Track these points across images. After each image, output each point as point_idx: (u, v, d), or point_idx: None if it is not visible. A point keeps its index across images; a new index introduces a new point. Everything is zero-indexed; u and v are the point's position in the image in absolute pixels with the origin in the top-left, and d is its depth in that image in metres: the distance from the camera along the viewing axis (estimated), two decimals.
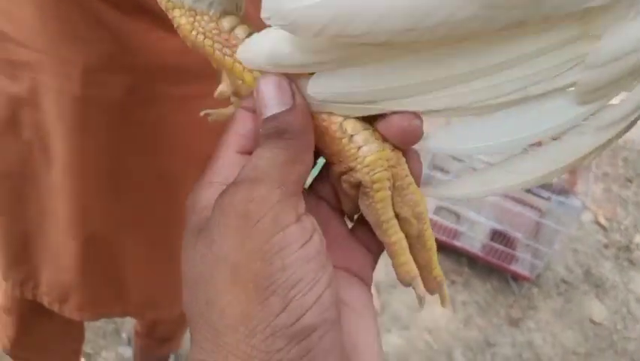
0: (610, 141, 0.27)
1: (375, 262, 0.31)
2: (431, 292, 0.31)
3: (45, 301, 0.81)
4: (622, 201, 2.43)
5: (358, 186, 0.27)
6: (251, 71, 0.27)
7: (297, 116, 0.25)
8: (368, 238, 0.30)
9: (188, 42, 0.29)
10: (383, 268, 1.82)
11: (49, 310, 0.84)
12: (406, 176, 0.28)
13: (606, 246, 2.16)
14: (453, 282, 1.84)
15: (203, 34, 0.28)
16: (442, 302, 0.32)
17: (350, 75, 0.25)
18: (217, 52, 0.28)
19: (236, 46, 0.27)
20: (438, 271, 0.30)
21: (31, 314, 0.90)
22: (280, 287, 0.22)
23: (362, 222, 0.30)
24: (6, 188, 0.74)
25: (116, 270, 0.79)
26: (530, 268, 1.82)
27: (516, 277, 1.85)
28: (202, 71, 0.51)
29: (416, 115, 0.26)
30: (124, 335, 1.48)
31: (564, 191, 1.70)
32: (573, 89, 0.25)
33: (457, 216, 1.92)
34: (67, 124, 0.65)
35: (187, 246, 0.25)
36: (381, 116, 0.26)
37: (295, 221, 0.24)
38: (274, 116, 0.25)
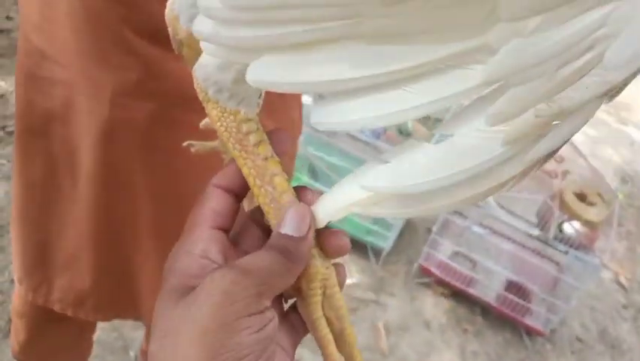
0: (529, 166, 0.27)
1: (299, 341, 0.36)
2: None
3: (57, 307, 0.84)
4: None
5: (299, 288, 0.33)
6: (252, 176, 0.33)
7: (305, 247, 0.31)
8: (297, 322, 0.36)
9: (213, 126, 0.34)
10: (395, 311, 1.81)
11: (60, 319, 0.87)
12: (334, 286, 0.34)
13: (625, 306, 2.10)
14: (465, 330, 1.81)
15: (226, 128, 0.33)
16: None
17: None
18: (230, 144, 0.33)
19: (246, 147, 0.33)
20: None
21: (42, 320, 0.93)
22: (232, 357, 0.28)
23: (295, 309, 0.36)
24: (30, 197, 0.77)
25: (131, 277, 0.82)
26: (545, 322, 1.79)
27: (529, 331, 1.82)
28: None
29: (346, 234, 0.33)
30: (132, 353, 1.50)
31: (583, 246, 1.67)
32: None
33: (473, 264, 1.91)
34: (94, 141, 0.69)
35: (165, 303, 0.30)
36: (321, 236, 0.33)
37: (260, 312, 0.29)
38: (290, 237, 0.31)
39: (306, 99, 1.84)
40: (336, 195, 0.31)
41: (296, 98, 0.83)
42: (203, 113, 0.43)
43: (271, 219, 0.33)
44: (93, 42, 0.63)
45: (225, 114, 0.33)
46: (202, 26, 0.28)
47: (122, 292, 0.84)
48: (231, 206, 0.34)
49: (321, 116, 0.28)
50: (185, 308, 0.29)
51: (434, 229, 1.84)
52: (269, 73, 0.27)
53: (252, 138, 0.33)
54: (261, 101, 0.35)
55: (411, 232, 2.15)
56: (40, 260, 0.83)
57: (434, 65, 0.24)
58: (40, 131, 0.72)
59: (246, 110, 0.33)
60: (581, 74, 0.22)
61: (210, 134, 0.43)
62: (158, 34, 0.61)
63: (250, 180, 0.33)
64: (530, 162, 0.25)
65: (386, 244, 1.89)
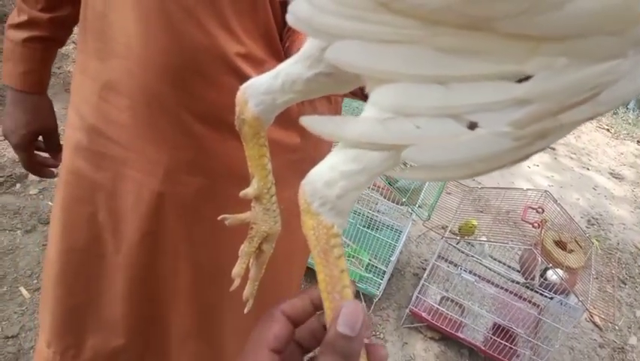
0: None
1: None
2: None
3: None
4: (616, 303, 2.51)
5: None
6: (325, 283, 0.37)
7: (359, 345, 0.34)
8: None
9: (304, 231, 0.38)
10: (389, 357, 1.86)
11: None
12: None
13: (601, 346, 2.22)
14: None
15: (317, 238, 0.37)
16: None
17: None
18: (316, 252, 0.38)
19: (329, 258, 0.37)
20: None
21: None
22: None
23: None
24: (69, 262, 0.80)
25: (164, 336, 0.85)
26: None
27: None
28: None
29: (385, 347, 0.39)
30: None
31: (565, 291, 1.78)
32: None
33: (462, 308, 1.99)
34: (141, 214, 0.73)
35: None
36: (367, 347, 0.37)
37: None
38: (348, 337, 0.34)
39: None
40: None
41: None
42: (245, 187, 0.50)
43: (328, 322, 0.38)
44: (152, 124, 0.68)
45: (320, 226, 0.37)
46: (299, 8, 0.34)
47: (152, 350, 0.87)
48: (290, 333, 0.38)
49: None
50: None
51: (424, 275, 1.92)
52: (348, 55, 0.33)
53: (336, 252, 0.37)
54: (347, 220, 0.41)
55: (398, 278, 2.23)
56: (72, 324, 0.85)
57: (481, 77, 0.32)
58: (86, 200, 0.75)
59: (338, 226, 0.38)
60: (582, 103, 0.31)
61: (247, 205, 0.50)
62: (213, 118, 0.67)
63: (321, 286, 0.38)
64: (528, 154, 0.33)
65: (378, 290, 1.96)
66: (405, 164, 0.39)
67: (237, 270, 0.48)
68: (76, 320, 0.85)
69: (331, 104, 0.78)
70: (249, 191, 0.49)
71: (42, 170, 0.97)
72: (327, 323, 0.36)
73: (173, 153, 0.70)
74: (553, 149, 4.11)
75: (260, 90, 0.43)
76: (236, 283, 0.48)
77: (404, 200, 1.76)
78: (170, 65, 0.63)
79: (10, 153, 2.19)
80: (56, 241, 0.81)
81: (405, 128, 0.33)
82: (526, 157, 0.33)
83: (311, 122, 0.35)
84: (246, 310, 0.49)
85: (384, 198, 1.90)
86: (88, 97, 0.71)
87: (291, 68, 0.41)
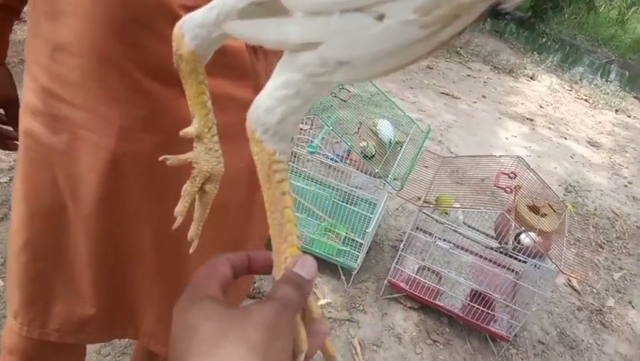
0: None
1: None
2: None
3: (54, 336, 0.85)
4: (594, 266, 2.55)
5: None
6: (269, 203, 0.40)
7: (309, 288, 0.39)
8: None
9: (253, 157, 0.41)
10: (368, 327, 1.87)
11: (55, 350, 0.88)
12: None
13: (579, 308, 2.25)
14: (434, 341, 1.90)
15: (261, 162, 0.40)
16: None
17: None
18: (260, 175, 0.40)
19: (271, 181, 0.40)
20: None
21: (36, 355, 0.93)
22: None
23: None
24: (33, 227, 0.79)
25: (132, 298, 0.85)
26: (508, 328, 1.90)
27: (494, 337, 1.92)
28: (226, 134, 0.59)
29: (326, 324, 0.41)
30: None
31: (539, 255, 1.80)
32: None
33: (439, 277, 2.00)
34: (100, 174, 0.72)
35: (197, 303, 0.37)
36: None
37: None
38: (302, 277, 0.38)
39: None
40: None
41: None
42: None
43: (275, 242, 0.41)
44: (103, 82, 0.67)
45: (263, 153, 0.40)
46: None
47: (122, 314, 0.86)
48: (230, 279, 0.41)
49: None
50: (233, 323, 0.35)
51: (400, 246, 1.93)
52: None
53: (278, 176, 0.40)
54: (292, 145, 0.42)
55: (377, 251, 2.24)
56: (39, 292, 0.84)
57: None
58: (45, 165, 0.74)
59: (279, 154, 0.40)
60: None
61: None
62: (164, 73, 0.66)
63: (267, 206, 0.41)
64: (437, 43, 0.33)
65: (356, 263, 1.96)
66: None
67: (180, 208, 0.49)
68: (43, 287, 0.84)
69: None
70: (190, 130, 0.49)
71: (5, 142, 0.96)
72: (274, 254, 0.41)
73: (126, 111, 0.69)
74: (531, 120, 4.14)
75: (195, 23, 0.43)
76: (179, 221, 0.49)
77: (377, 170, 1.76)
78: (116, 19, 0.62)
79: None
80: (19, 208, 0.80)
81: (316, 25, 0.34)
82: (436, 47, 0.34)
83: (234, 27, 0.38)
84: (190, 251, 0.50)
85: (359, 170, 1.90)
86: (40, 59, 0.70)
87: (225, 0, 0.41)
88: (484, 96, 4.41)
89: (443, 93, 4.21)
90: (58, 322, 0.85)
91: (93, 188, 0.74)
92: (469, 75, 4.86)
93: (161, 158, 0.50)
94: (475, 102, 4.22)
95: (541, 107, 4.54)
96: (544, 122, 4.19)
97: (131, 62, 0.66)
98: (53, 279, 0.83)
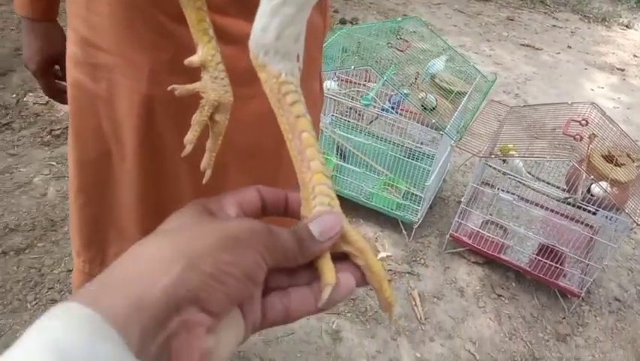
0: None
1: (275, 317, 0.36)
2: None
3: None
4: None
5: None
6: (286, 131, 0.38)
7: (318, 250, 0.35)
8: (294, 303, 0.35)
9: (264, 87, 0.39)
10: (429, 280, 1.86)
11: None
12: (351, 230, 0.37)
13: None
14: (499, 296, 1.85)
15: (270, 89, 0.38)
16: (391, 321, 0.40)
17: None
18: (272, 102, 0.38)
19: (283, 105, 0.38)
20: (389, 293, 0.37)
21: None
22: (221, 268, 0.30)
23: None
24: (84, 173, 0.86)
25: None
26: (579, 284, 1.81)
27: (564, 293, 1.84)
28: (250, 76, 0.60)
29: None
30: None
31: (613, 207, 1.68)
32: None
33: (505, 231, 1.94)
34: (136, 117, 0.76)
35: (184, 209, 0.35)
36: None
37: (260, 267, 0.32)
38: (312, 236, 0.34)
39: (329, 84, 1.91)
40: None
41: (316, 70, 0.89)
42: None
43: (299, 174, 0.38)
44: (130, 27, 0.70)
45: (270, 77, 0.39)
46: None
47: None
48: (256, 206, 0.39)
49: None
50: (212, 222, 0.33)
51: (463, 199, 1.88)
52: None
53: (289, 98, 0.38)
54: (300, 65, 0.41)
55: (442, 206, 2.19)
56: (95, 233, 0.91)
57: None
58: (90, 112, 0.80)
59: (286, 74, 0.39)
60: None
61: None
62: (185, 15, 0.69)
63: (285, 134, 0.38)
64: None
65: (417, 217, 1.94)
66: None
67: (189, 137, 0.50)
68: (97, 230, 0.91)
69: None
70: (194, 58, 0.51)
71: (62, 96, 1.03)
72: (301, 187, 0.38)
73: (153, 55, 0.72)
74: (622, 70, 3.81)
75: None
76: (188, 149, 0.50)
77: (434, 121, 1.71)
78: None
79: (66, 108, 2.33)
80: (72, 154, 0.86)
81: None
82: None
83: None
84: (204, 181, 0.52)
85: (419, 123, 1.86)
86: (78, 11, 0.75)
87: None
88: (569, 47, 4.10)
89: (523, 45, 3.97)
90: (113, 261, 0.93)
91: (132, 131, 0.78)
92: (554, 26, 4.54)
93: (169, 87, 0.51)
94: (558, 53, 3.94)
95: (635, 56, 4.16)
96: (637, 72, 3.84)
97: (154, 6, 0.68)
98: (104, 222, 0.90)
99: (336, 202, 0.38)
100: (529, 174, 1.89)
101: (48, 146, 2.18)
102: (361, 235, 0.37)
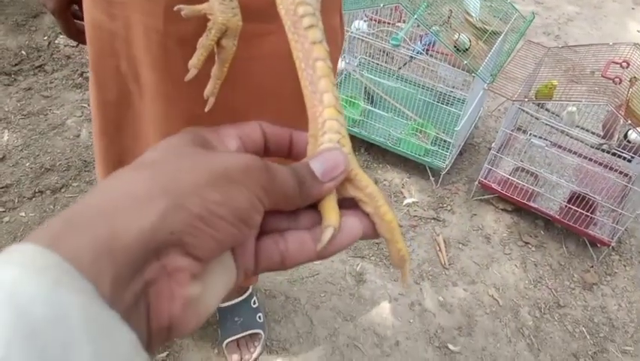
0: None
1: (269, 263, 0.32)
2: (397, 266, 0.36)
3: None
4: None
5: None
6: (299, 60, 0.35)
7: (320, 192, 0.31)
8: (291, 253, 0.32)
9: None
10: (455, 227, 1.85)
11: None
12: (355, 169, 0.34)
13: None
14: (526, 243, 1.83)
15: (285, 10, 0.35)
16: (403, 279, 0.36)
17: None
18: (287, 26, 0.35)
19: (298, 29, 0.34)
20: (402, 245, 0.34)
21: None
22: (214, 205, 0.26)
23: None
24: (105, 114, 0.86)
25: None
26: (610, 233, 1.77)
27: (594, 242, 1.80)
28: (267, 11, 0.58)
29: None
30: None
31: None
32: None
33: (536, 178, 1.89)
34: (153, 55, 0.75)
35: (184, 145, 0.31)
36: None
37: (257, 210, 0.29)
38: (314, 176, 0.31)
39: (358, 24, 1.85)
40: None
41: (336, 6, 0.86)
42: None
43: (308, 103, 0.35)
44: None
45: None
46: None
47: None
48: (258, 144, 0.35)
49: None
50: (203, 154, 0.30)
51: (493, 145, 1.83)
52: None
53: (305, 21, 0.34)
54: None
55: (472, 152, 2.15)
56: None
57: None
58: (109, 52, 0.79)
59: None
60: None
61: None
62: None
63: (297, 63, 0.35)
64: None
65: (444, 163, 1.91)
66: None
67: (193, 61, 0.49)
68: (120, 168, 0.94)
69: None
70: None
71: (82, 37, 1.04)
72: (310, 122, 0.34)
73: None
74: None
75: None
76: (192, 73, 0.49)
77: (465, 62, 1.65)
78: None
79: None
80: (94, 96, 0.87)
81: None
82: None
83: None
84: (206, 109, 0.51)
85: (450, 65, 1.79)
86: None
87: None
88: None
89: None
90: None
91: (149, 69, 0.78)
92: None
93: (175, 8, 0.49)
94: None
95: None
96: None
97: None
98: (129, 163, 0.91)
99: (347, 141, 0.34)
100: (558, 115, 1.82)
101: (80, 88, 2.21)
102: (372, 181, 0.34)
